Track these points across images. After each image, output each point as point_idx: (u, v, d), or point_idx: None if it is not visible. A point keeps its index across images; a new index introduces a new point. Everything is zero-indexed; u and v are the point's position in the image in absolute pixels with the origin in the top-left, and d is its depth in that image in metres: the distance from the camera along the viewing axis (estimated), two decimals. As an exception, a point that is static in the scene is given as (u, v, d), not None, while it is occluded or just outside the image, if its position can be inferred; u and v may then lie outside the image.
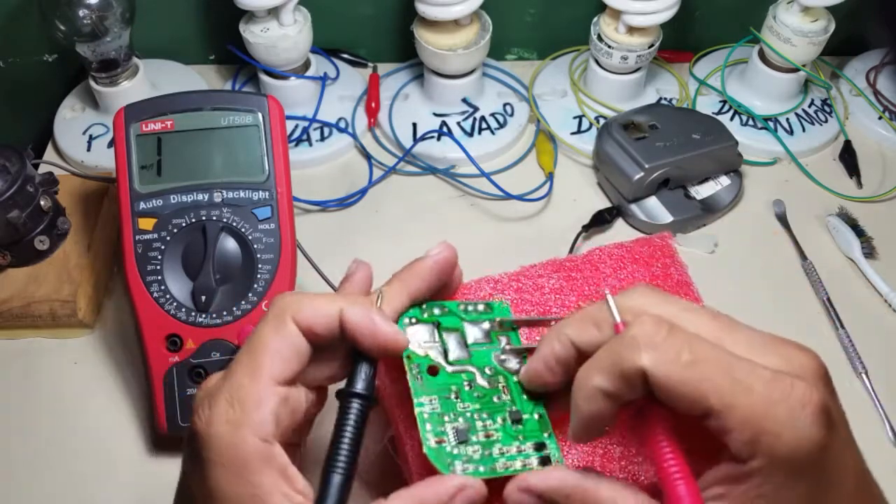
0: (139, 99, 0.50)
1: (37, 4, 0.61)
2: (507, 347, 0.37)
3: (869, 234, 0.60)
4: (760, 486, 0.28)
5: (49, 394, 0.53)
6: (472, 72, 0.68)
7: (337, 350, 0.34)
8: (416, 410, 0.34)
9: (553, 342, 0.32)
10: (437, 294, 0.38)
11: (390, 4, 0.72)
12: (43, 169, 0.57)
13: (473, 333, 0.37)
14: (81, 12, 0.60)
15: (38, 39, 0.71)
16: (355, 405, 0.32)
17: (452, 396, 0.35)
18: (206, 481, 0.30)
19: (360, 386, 0.33)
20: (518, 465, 0.34)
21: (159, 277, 0.47)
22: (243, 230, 0.47)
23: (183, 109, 0.49)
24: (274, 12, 0.63)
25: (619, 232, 0.62)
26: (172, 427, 0.47)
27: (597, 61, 0.68)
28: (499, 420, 0.35)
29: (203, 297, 0.46)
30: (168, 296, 0.47)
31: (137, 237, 0.47)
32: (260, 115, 0.49)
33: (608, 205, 0.64)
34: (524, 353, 0.37)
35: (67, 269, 0.55)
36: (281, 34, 0.63)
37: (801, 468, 0.28)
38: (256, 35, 0.63)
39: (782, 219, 0.63)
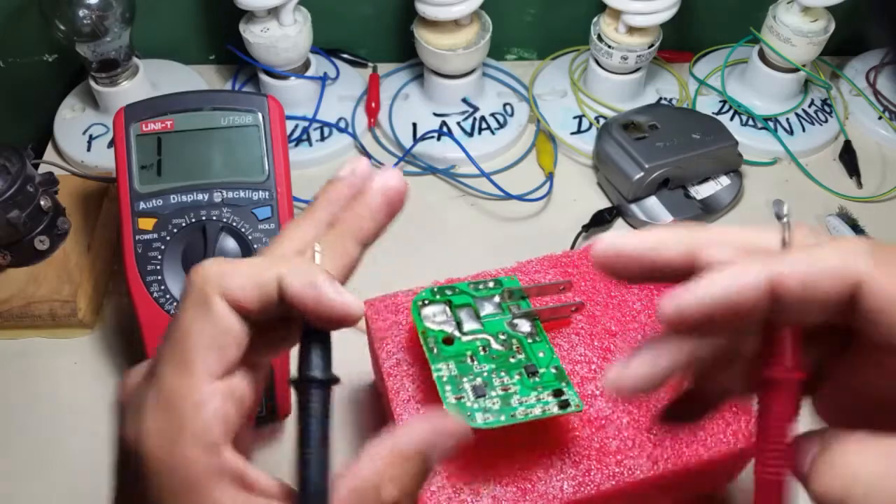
0: (139, 99, 0.50)
1: (37, 4, 0.61)
2: (518, 311, 0.39)
3: (869, 235, 0.60)
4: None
5: (49, 394, 0.53)
6: (472, 72, 0.68)
7: (278, 321, 0.27)
8: (434, 375, 0.36)
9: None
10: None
11: (390, 4, 0.72)
12: (43, 169, 0.57)
13: (485, 307, 0.39)
14: (81, 12, 0.60)
15: (38, 39, 0.71)
16: (316, 394, 0.26)
17: (468, 360, 0.37)
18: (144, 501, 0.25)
19: (316, 371, 0.26)
20: (538, 411, 0.35)
21: (159, 277, 0.47)
22: (243, 230, 0.47)
23: (183, 109, 0.49)
24: (274, 12, 0.63)
25: (620, 232, 0.62)
26: None
27: (597, 61, 0.68)
28: (515, 375, 0.37)
29: None
30: (168, 296, 0.47)
31: (137, 237, 0.47)
32: (260, 115, 0.49)
33: (608, 205, 0.64)
34: (535, 317, 0.39)
35: (67, 269, 0.55)
36: (281, 34, 0.63)
37: None
38: (256, 35, 0.63)
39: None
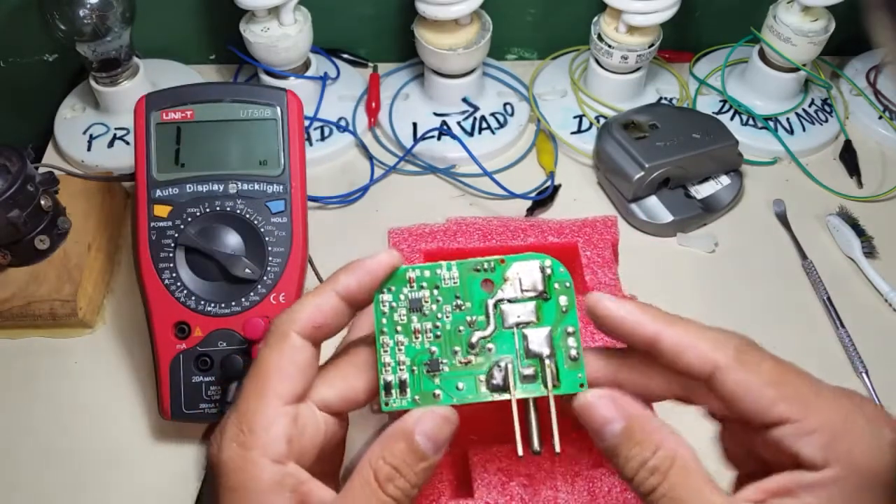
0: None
1: (37, 4, 0.61)
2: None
3: (869, 234, 0.60)
4: (831, 497, 0.27)
5: (49, 393, 0.53)
6: (472, 71, 0.68)
7: (349, 369, 0.33)
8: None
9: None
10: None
11: (390, 4, 0.72)
12: (43, 169, 0.57)
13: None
14: (82, 12, 0.60)
15: (38, 39, 0.71)
16: None
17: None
18: None
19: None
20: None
21: (171, 265, 0.47)
22: (256, 222, 0.48)
23: (203, 100, 0.49)
24: (274, 12, 0.63)
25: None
26: (176, 413, 0.47)
27: (597, 61, 0.68)
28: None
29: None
30: (179, 283, 0.47)
31: (152, 224, 0.47)
32: (279, 108, 0.49)
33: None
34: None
35: (67, 268, 0.55)
36: (281, 34, 0.63)
37: (877, 480, 0.27)
38: (257, 35, 0.63)
39: (782, 218, 0.63)
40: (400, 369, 0.33)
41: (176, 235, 0.47)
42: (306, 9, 0.65)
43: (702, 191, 0.63)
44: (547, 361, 0.32)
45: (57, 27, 0.61)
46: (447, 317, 0.33)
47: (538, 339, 0.33)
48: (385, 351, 0.33)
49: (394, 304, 0.33)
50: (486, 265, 0.33)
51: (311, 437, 0.31)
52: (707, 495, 0.28)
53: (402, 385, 0.32)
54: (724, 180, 0.64)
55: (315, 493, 0.30)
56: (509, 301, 0.33)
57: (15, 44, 0.71)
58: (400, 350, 0.33)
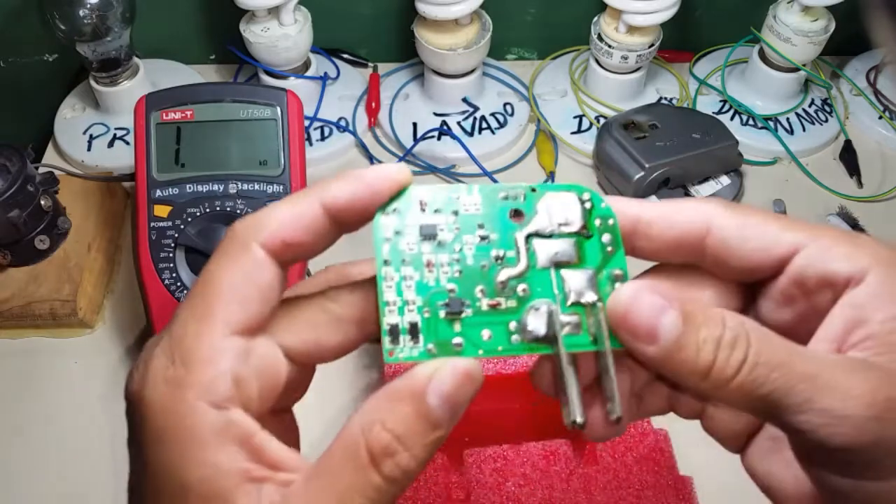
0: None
1: (37, 4, 0.61)
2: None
3: (869, 234, 0.60)
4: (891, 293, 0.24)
5: (49, 394, 0.53)
6: (472, 71, 0.68)
7: (321, 316, 0.25)
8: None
9: None
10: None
11: (390, 4, 0.72)
12: (43, 169, 0.57)
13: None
14: (82, 12, 0.60)
15: (38, 39, 0.71)
16: None
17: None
18: (144, 463, 0.22)
19: None
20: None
21: (171, 265, 0.47)
22: None
23: (203, 100, 0.50)
24: (274, 12, 0.63)
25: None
26: None
27: (597, 61, 0.68)
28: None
29: None
30: (179, 283, 0.47)
31: (152, 224, 0.48)
32: (279, 108, 0.49)
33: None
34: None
35: (67, 268, 0.55)
36: (281, 34, 0.63)
37: None
38: (257, 35, 0.63)
39: (782, 218, 0.63)
40: (409, 310, 0.25)
41: (176, 235, 0.47)
42: (306, 9, 0.65)
43: (702, 191, 0.63)
44: (598, 306, 0.26)
45: (57, 27, 0.61)
46: (469, 249, 0.26)
47: (581, 282, 0.27)
48: (389, 286, 0.25)
49: (399, 228, 0.26)
50: (513, 192, 0.27)
51: (266, 383, 0.23)
52: (799, 349, 0.23)
53: (413, 329, 0.25)
54: (724, 180, 0.64)
55: (270, 449, 0.23)
56: (544, 236, 0.27)
57: (15, 44, 0.71)
58: (408, 287, 0.26)
